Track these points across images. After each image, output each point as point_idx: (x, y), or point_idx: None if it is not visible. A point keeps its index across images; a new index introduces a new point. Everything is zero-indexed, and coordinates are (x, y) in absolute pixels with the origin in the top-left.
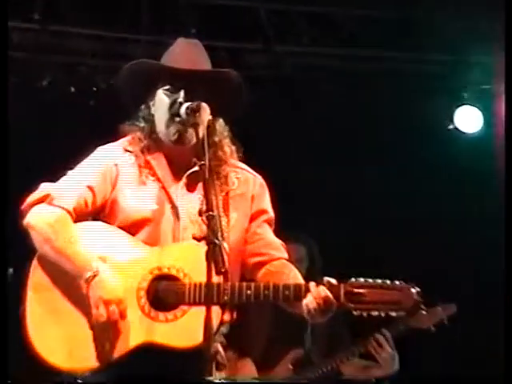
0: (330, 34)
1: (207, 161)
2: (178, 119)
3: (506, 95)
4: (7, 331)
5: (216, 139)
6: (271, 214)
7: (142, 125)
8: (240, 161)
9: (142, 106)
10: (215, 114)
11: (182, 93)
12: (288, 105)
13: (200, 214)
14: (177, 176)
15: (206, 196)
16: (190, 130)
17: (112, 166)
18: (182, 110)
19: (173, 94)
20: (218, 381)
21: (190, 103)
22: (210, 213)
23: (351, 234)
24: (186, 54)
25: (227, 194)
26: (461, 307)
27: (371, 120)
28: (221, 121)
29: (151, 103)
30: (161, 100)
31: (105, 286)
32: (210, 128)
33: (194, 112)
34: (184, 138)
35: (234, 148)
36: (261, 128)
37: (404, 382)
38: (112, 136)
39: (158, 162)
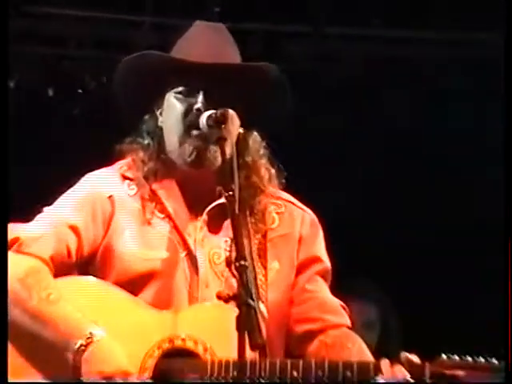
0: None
1: (237, 190)
2: (195, 133)
3: (506, 95)
4: (7, 331)
5: (249, 160)
6: (327, 263)
7: (147, 142)
8: (282, 189)
9: (146, 116)
10: (247, 124)
11: (200, 96)
12: (346, 109)
13: (227, 264)
14: (194, 211)
15: (236, 239)
16: (213, 148)
17: (105, 198)
18: (202, 121)
19: (188, 97)
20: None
21: (212, 111)
22: (242, 262)
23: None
24: (205, 42)
25: (265, 235)
26: None
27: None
28: (255, 134)
29: (158, 112)
30: (172, 107)
31: (104, 358)
32: (241, 144)
33: (218, 123)
34: (204, 159)
35: (273, 172)
36: (310, 142)
37: None
38: (105, 158)
39: (169, 193)
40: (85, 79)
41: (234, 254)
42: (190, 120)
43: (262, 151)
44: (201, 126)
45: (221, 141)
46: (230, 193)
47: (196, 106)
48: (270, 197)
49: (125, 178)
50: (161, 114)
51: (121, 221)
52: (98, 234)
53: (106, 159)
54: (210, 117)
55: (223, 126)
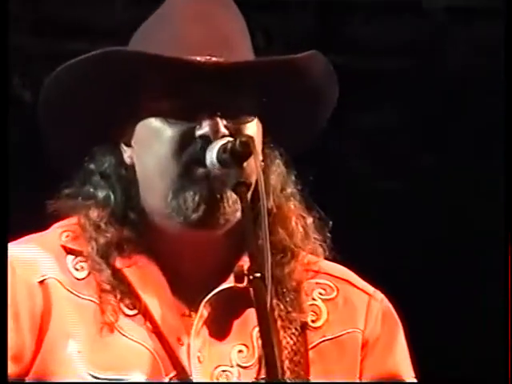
0: None
1: (269, 269)
2: (200, 173)
3: (505, 95)
4: (7, 331)
5: (271, 204)
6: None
7: (103, 194)
8: (328, 256)
9: (101, 151)
10: (272, 149)
11: (206, 116)
12: (430, 119)
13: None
14: (187, 303)
15: (264, 343)
16: (230, 197)
17: (33, 285)
18: (212, 156)
19: (185, 118)
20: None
21: (226, 139)
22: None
23: None
24: (199, 19)
25: (304, 336)
26: None
27: None
28: (278, 163)
29: (123, 143)
30: (156, 133)
31: None
32: (265, 185)
33: (239, 158)
34: (217, 216)
35: (309, 221)
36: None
37: None
38: (33, 216)
39: (145, 276)
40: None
41: (254, 370)
42: (190, 154)
43: (290, 188)
44: (208, 163)
45: (241, 187)
46: (258, 274)
47: (200, 132)
48: (307, 270)
49: (68, 251)
50: (128, 145)
51: (63, 322)
52: (23, 343)
53: (34, 217)
54: (224, 149)
55: (246, 163)
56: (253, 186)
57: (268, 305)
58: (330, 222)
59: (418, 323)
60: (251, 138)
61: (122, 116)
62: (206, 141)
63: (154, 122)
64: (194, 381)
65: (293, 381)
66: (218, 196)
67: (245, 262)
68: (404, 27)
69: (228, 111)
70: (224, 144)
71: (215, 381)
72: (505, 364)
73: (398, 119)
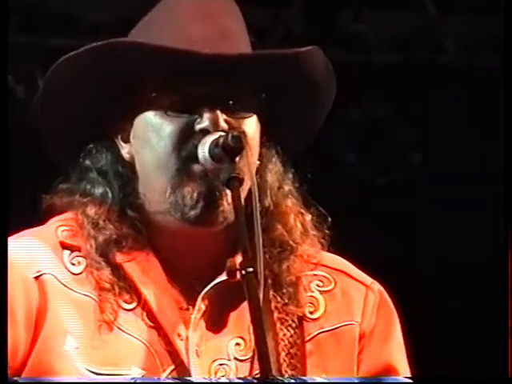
0: None
1: (261, 263)
2: (197, 169)
3: (505, 95)
4: (7, 332)
5: (268, 202)
6: (405, 374)
7: (100, 190)
8: (327, 247)
9: (93, 146)
10: (269, 147)
11: (207, 109)
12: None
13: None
14: (186, 297)
15: (256, 338)
16: (224, 194)
17: (29, 280)
18: (203, 150)
19: (185, 112)
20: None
21: (218, 134)
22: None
23: None
24: (200, 12)
25: (301, 329)
26: None
27: None
28: (275, 161)
29: (120, 138)
30: (155, 128)
31: None
32: (262, 183)
33: (230, 152)
34: (216, 212)
35: (308, 218)
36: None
37: None
38: (29, 211)
39: (144, 270)
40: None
41: (248, 365)
42: (190, 149)
43: (288, 186)
44: (201, 158)
45: (234, 181)
46: (250, 269)
47: (200, 126)
48: (306, 262)
49: (65, 246)
50: (126, 141)
51: (59, 318)
52: (18, 340)
53: (30, 213)
54: (216, 144)
55: (238, 157)
56: (247, 181)
57: (260, 299)
58: (329, 219)
59: (416, 320)
60: (243, 132)
61: (120, 110)
62: (206, 135)
63: (153, 117)
64: (193, 374)
65: (289, 374)
66: (217, 193)
67: (239, 257)
68: (394, 22)
69: (228, 106)
70: (216, 139)
71: (214, 379)
72: (505, 364)
73: (390, 113)
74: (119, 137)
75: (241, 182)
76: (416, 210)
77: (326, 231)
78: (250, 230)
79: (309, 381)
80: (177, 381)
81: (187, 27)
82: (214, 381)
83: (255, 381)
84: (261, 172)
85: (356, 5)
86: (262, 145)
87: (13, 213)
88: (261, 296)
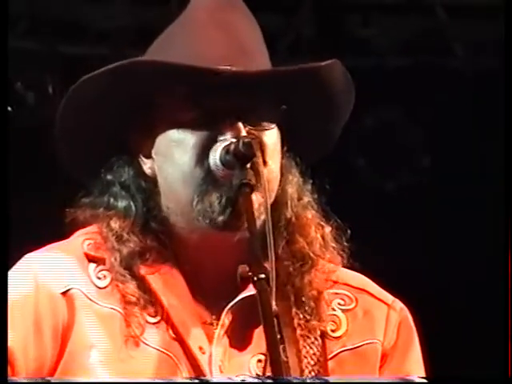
0: None
1: (273, 269)
2: (220, 172)
3: (505, 95)
4: (7, 331)
5: (289, 214)
6: None
7: (124, 203)
8: (347, 264)
9: (119, 163)
10: (288, 158)
11: (228, 125)
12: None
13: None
14: (209, 312)
15: (268, 342)
16: (254, 198)
17: (56, 297)
18: (215, 157)
19: (207, 126)
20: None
21: (230, 140)
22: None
23: None
24: (218, 29)
25: (323, 345)
26: None
27: None
28: (294, 172)
29: (143, 156)
30: (176, 145)
31: None
32: (278, 192)
33: (242, 159)
34: (242, 218)
35: (328, 231)
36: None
37: None
38: (56, 228)
39: (168, 283)
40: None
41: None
42: (215, 159)
43: (307, 197)
44: (212, 164)
45: (244, 188)
46: (262, 276)
47: (222, 138)
48: (328, 280)
49: (91, 259)
50: (147, 156)
51: (85, 332)
52: (45, 356)
53: (57, 229)
54: (227, 150)
55: (248, 165)
56: (268, 190)
57: (273, 306)
58: (348, 231)
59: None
60: (254, 139)
61: (142, 127)
62: (230, 145)
63: (176, 132)
64: None
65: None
66: (234, 199)
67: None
68: (406, 26)
69: (249, 118)
70: (227, 145)
71: (229, 379)
72: (505, 364)
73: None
74: (141, 153)
75: (252, 188)
76: (425, 212)
77: (345, 244)
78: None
79: (318, 381)
80: (192, 381)
81: (207, 44)
82: (229, 381)
83: (270, 380)
84: (281, 183)
85: (365, 9)
86: (282, 156)
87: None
88: (273, 303)
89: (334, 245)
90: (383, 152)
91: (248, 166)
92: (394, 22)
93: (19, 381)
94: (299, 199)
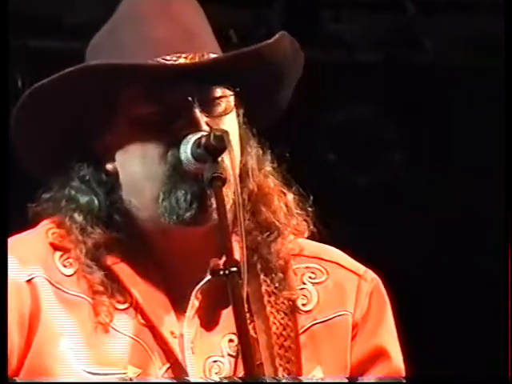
0: None
1: (245, 265)
2: (188, 167)
3: (505, 94)
4: (7, 332)
5: (252, 185)
6: (397, 360)
7: (86, 199)
8: (313, 236)
9: (78, 160)
10: (245, 130)
11: (186, 116)
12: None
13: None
14: (179, 295)
15: (240, 337)
16: (211, 192)
17: (21, 285)
18: (186, 151)
19: (167, 118)
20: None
21: (199, 133)
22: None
23: None
24: (161, 16)
25: (294, 319)
26: None
27: None
28: (255, 144)
29: (104, 155)
30: (136, 141)
31: None
32: (244, 166)
33: (213, 152)
34: (209, 211)
35: (290, 198)
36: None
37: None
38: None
39: (135, 272)
40: None
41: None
42: (176, 155)
43: (267, 167)
44: (183, 158)
45: (217, 181)
46: (234, 269)
47: (183, 131)
48: (298, 255)
49: (56, 247)
50: (108, 156)
51: (53, 320)
52: (12, 346)
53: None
54: (198, 144)
55: (220, 157)
56: (235, 178)
57: (244, 298)
58: (311, 197)
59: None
60: (225, 131)
61: (100, 127)
62: (188, 136)
63: (136, 129)
64: (189, 372)
65: (284, 367)
66: (209, 192)
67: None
68: (377, 21)
69: (206, 107)
70: (198, 138)
71: (210, 380)
72: (505, 364)
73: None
74: (100, 151)
75: (223, 181)
76: (397, 208)
77: (309, 209)
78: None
79: (305, 381)
80: (174, 381)
81: (152, 29)
82: (210, 381)
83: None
84: (242, 156)
85: (337, 4)
86: (239, 128)
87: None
88: (244, 295)
89: (298, 211)
90: (354, 147)
91: (219, 158)
92: (365, 18)
93: (19, 381)
94: (260, 169)
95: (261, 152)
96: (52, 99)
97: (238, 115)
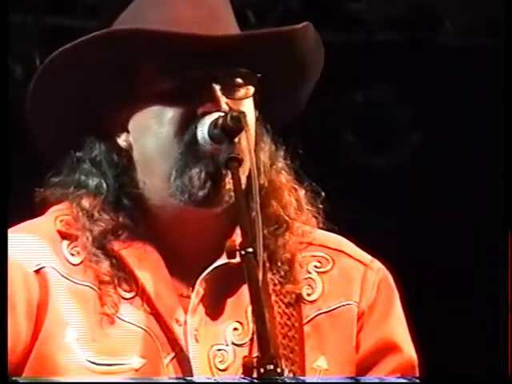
0: None
1: (261, 245)
2: (205, 147)
3: (505, 94)
4: (7, 331)
5: (263, 179)
6: (409, 352)
7: (95, 182)
8: (322, 225)
9: (90, 138)
10: (260, 125)
11: (207, 92)
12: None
13: (247, 370)
14: (187, 283)
15: (256, 318)
16: (226, 174)
17: (29, 275)
18: (203, 131)
19: (185, 97)
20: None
21: (217, 114)
22: (269, 366)
23: None
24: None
25: (299, 309)
26: None
27: None
28: (266, 138)
29: (117, 129)
30: (153, 117)
31: None
32: (256, 161)
33: (231, 132)
34: (222, 192)
35: (301, 193)
36: None
37: None
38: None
39: (142, 256)
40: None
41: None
42: (193, 133)
43: (280, 163)
44: (200, 138)
45: (233, 162)
46: (250, 249)
47: (202, 109)
48: (303, 242)
49: (64, 235)
50: (122, 129)
51: (60, 310)
52: (19, 335)
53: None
54: (215, 124)
55: (237, 138)
56: (246, 161)
57: (260, 280)
58: (323, 194)
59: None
60: (242, 112)
61: (117, 99)
62: (206, 115)
63: (153, 105)
64: (192, 361)
65: (287, 357)
66: (224, 172)
67: (239, 238)
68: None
69: (227, 88)
70: (215, 119)
71: (213, 379)
72: (505, 364)
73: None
74: (116, 126)
75: (240, 162)
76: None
77: (320, 206)
78: (248, 210)
79: (308, 381)
80: (179, 381)
81: (177, 10)
82: (213, 380)
83: (256, 381)
84: (255, 151)
85: None
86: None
87: (12, 206)
88: (260, 276)
89: (308, 207)
90: (373, 129)
91: (236, 140)
92: None
93: (20, 381)
94: (272, 165)
95: (273, 148)
96: (72, 66)
97: (254, 103)
